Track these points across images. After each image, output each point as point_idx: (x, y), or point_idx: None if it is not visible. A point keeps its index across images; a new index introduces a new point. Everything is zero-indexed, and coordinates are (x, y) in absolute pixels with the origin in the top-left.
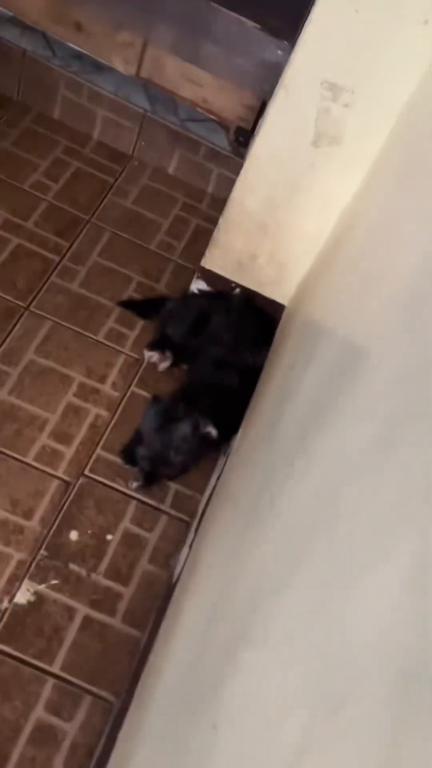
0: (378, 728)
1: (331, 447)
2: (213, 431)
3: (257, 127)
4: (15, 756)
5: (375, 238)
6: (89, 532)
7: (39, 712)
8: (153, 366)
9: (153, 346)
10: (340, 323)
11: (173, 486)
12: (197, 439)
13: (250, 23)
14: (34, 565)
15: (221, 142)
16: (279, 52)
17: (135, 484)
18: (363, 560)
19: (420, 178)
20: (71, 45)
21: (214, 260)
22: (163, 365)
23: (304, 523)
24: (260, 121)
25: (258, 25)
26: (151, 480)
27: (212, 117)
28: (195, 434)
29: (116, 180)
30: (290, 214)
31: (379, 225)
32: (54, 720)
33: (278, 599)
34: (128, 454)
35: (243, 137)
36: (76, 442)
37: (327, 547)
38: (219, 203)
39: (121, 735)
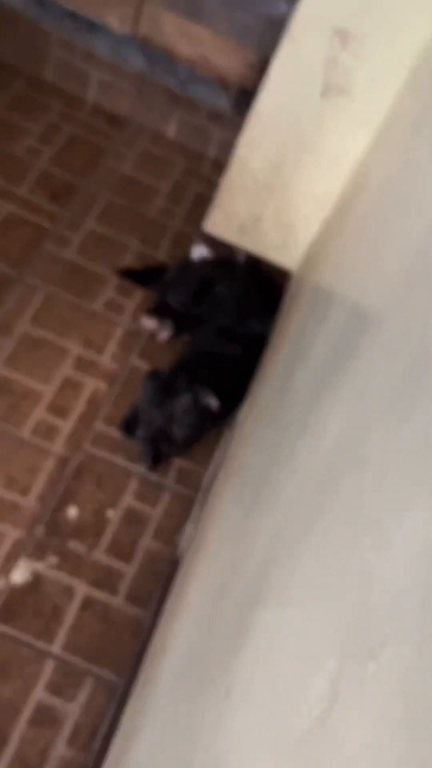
0: (426, 664)
1: (351, 395)
2: (214, 402)
3: (261, 85)
4: (15, 737)
5: (389, 191)
6: (89, 508)
7: (39, 693)
8: (152, 336)
9: (151, 313)
10: (354, 281)
11: (177, 461)
12: (199, 412)
13: None
14: (31, 543)
15: (223, 103)
16: (283, 4)
17: (143, 468)
18: (397, 499)
19: None
20: (64, 3)
21: (216, 224)
22: (163, 335)
23: (323, 475)
24: (263, 79)
25: None
26: (158, 461)
27: (213, 76)
28: (196, 407)
29: (112, 144)
30: (297, 173)
31: (393, 179)
32: (55, 701)
33: (298, 554)
34: (128, 427)
35: (245, 97)
36: (74, 415)
37: (352, 491)
38: (220, 167)
39: (126, 714)
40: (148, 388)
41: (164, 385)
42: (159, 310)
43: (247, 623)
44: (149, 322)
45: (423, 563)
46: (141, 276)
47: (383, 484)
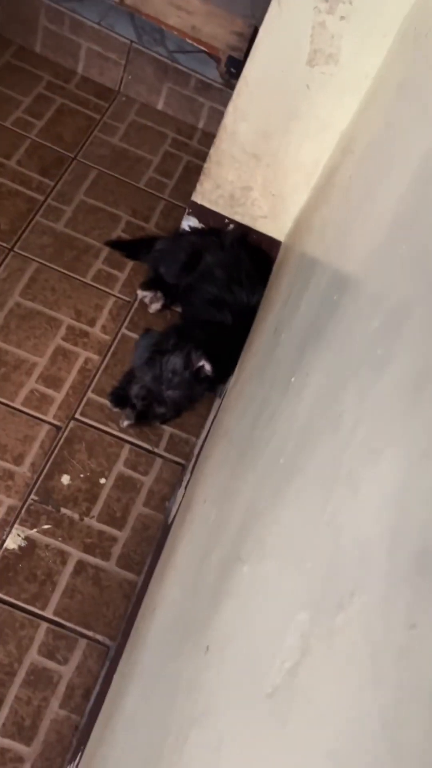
0: (391, 612)
1: (330, 352)
2: (207, 366)
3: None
4: (10, 698)
5: (373, 153)
6: (81, 476)
7: (33, 656)
8: (145, 307)
9: (146, 286)
10: (336, 244)
11: (168, 429)
12: (190, 374)
13: None
14: (24, 510)
15: (212, 73)
16: None
17: (126, 423)
18: (368, 446)
19: (422, 85)
20: None
21: (206, 194)
22: (155, 306)
23: (301, 433)
24: (252, 49)
25: None
26: (142, 418)
27: (202, 47)
28: (187, 367)
29: (102, 116)
30: (285, 142)
31: (377, 140)
32: (49, 663)
33: (275, 510)
34: (117, 397)
35: (235, 68)
36: (66, 386)
37: (327, 447)
38: (210, 138)
39: (117, 675)
40: (140, 345)
41: (156, 342)
42: (153, 283)
43: (227, 580)
44: (145, 294)
45: (389, 510)
46: (130, 247)
47: (356, 437)
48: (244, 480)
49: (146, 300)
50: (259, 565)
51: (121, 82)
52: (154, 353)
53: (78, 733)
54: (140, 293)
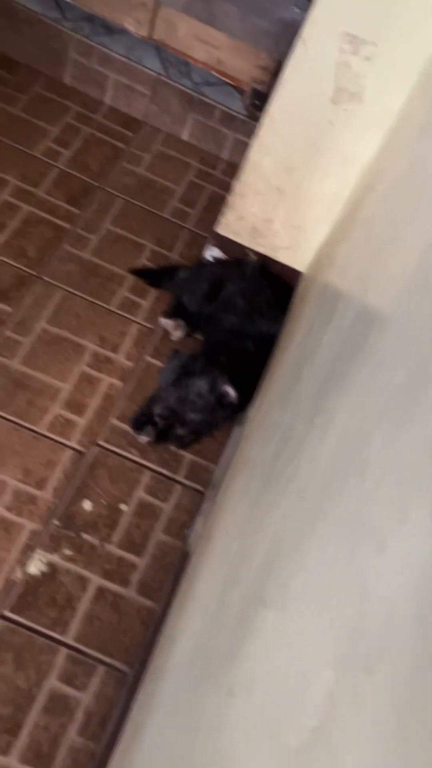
0: (419, 683)
1: (354, 399)
2: (231, 392)
3: (274, 88)
4: (29, 724)
5: (397, 193)
6: (102, 501)
7: (52, 682)
8: (167, 335)
9: (168, 314)
10: (359, 282)
11: (188, 456)
12: (213, 398)
13: None
14: (46, 535)
15: (237, 105)
16: (297, 9)
17: (145, 438)
18: (395, 505)
19: None
20: (81, 6)
21: (229, 225)
22: (177, 334)
23: (325, 477)
24: (276, 82)
25: None
26: (162, 438)
27: (227, 80)
28: (212, 391)
29: (128, 146)
30: (308, 176)
31: (400, 181)
32: (67, 689)
33: (299, 556)
34: (138, 422)
35: (259, 100)
36: (89, 411)
37: (352, 496)
38: (234, 169)
39: (136, 704)
40: (168, 367)
41: (184, 364)
42: (175, 311)
43: (249, 621)
44: (167, 323)
45: (417, 576)
46: (153, 276)
47: (382, 491)
48: (267, 515)
49: (168, 328)
50: (283, 611)
51: (147, 112)
52: (181, 374)
53: (95, 762)
54: (162, 321)
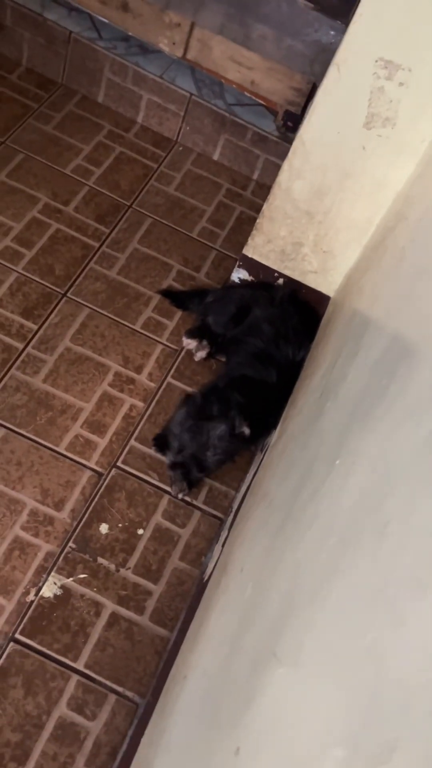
0: None
1: (377, 447)
2: (247, 430)
3: (306, 111)
4: (36, 752)
5: (426, 226)
6: (120, 525)
7: (62, 709)
8: (190, 355)
9: (192, 334)
10: (387, 316)
11: (207, 481)
12: (234, 439)
13: (301, 2)
14: (62, 557)
15: (269, 126)
16: (332, 32)
17: (181, 495)
18: (415, 577)
19: None
20: (117, 26)
21: (257, 248)
22: (200, 354)
23: (344, 528)
24: (310, 104)
25: (310, 4)
26: (192, 485)
27: (260, 101)
28: (232, 433)
29: (159, 165)
30: (338, 201)
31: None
32: (77, 718)
33: (314, 612)
34: (161, 442)
35: (292, 121)
36: (110, 432)
37: (370, 556)
38: (265, 190)
39: (145, 738)
40: (182, 412)
41: (198, 410)
42: (198, 331)
43: (260, 674)
44: (190, 342)
45: None
46: (180, 298)
47: (403, 559)
48: (283, 559)
49: (191, 347)
50: (294, 669)
51: (179, 132)
52: (197, 419)
53: None
54: (185, 341)
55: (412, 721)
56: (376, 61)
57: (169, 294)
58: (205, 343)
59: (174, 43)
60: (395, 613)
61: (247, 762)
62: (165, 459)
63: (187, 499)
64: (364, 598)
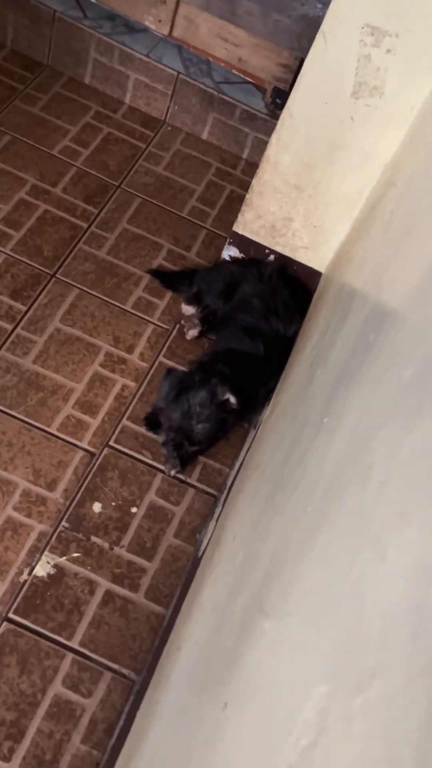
0: (412, 705)
1: (363, 396)
2: (232, 398)
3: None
4: (32, 730)
5: (416, 189)
6: (113, 504)
7: (57, 687)
8: (182, 335)
9: (190, 300)
10: (373, 279)
11: (201, 459)
12: (217, 407)
13: None
14: (55, 537)
15: (257, 104)
16: (319, 5)
17: (173, 471)
18: (397, 509)
19: None
20: (102, 5)
21: (247, 224)
22: (192, 333)
23: (330, 480)
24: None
25: None
26: (185, 463)
27: (248, 78)
28: (213, 400)
29: (148, 145)
30: (327, 173)
31: (420, 174)
32: (72, 695)
33: (300, 564)
34: (151, 422)
35: (280, 98)
36: (102, 412)
37: (356, 501)
38: (254, 168)
39: (140, 712)
40: (164, 386)
41: (180, 382)
42: (197, 298)
43: (249, 631)
44: (189, 309)
45: (416, 585)
46: (170, 278)
47: (384, 495)
48: (273, 523)
49: (190, 313)
50: (281, 622)
51: (167, 112)
52: (180, 390)
53: None
54: (184, 307)
55: (391, 647)
56: (363, 28)
57: (158, 274)
58: (197, 321)
59: (160, 21)
60: (378, 549)
61: (234, 714)
62: (157, 438)
63: (181, 476)
64: (348, 541)
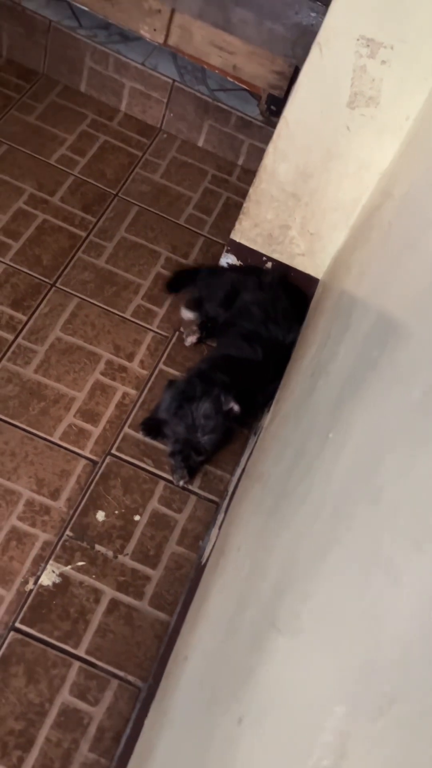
0: (427, 729)
1: (369, 416)
2: (236, 407)
3: (290, 94)
4: (40, 739)
5: (414, 200)
6: (116, 512)
7: (64, 696)
8: (181, 342)
9: (190, 304)
10: (374, 291)
11: (204, 466)
12: (222, 417)
13: None
14: (59, 546)
15: (253, 111)
16: (312, 14)
17: (182, 482)
18: (410, 535)
19: None
20: (97, 14)
21: (244, 232)
22: (191, 339)
23: (338, 498)
24: (293, 88)
25: None
26: (192, 473)
27: (243, 85)
28: (218, 411)
29: (144, 153)
30: (324, 182)
31: (418, 187)
32: (80, 704)
33: (311, 582)
34: (148, 427)
35: (275, 105)
36: (104, 420)
37: (366, 522)
38: (250, 175)
39: (148, 720)
40: (166, 398)
41: (182, 393)
42: (196, 303)
43: (261, 646)
44: (188, 313)
45: (431, 611)
46: (177, 282)
47: (396, 518)
48: (278, 536)
49: (189, 318)
50: (294, 640)
51: (162, 119)
52: (182, 402)
53: None
54: (183, 312)
55: (409, 673)
56: (358, 40)
57: (171, 285)
58: (196, 328)
59: (155, 30)
60: (391, 573)
61: (251, 729)
62: (157, 444)
63: (189, 486)
64: (359, 562)
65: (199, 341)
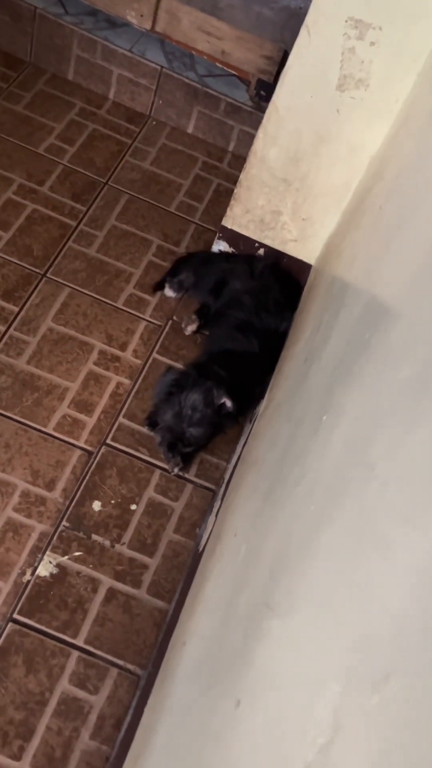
0: (427, 703)
1: (360, 395)
2: (228, 403)
3: (279, 78)
4: (41, 728)
5: (405, 182)
6: (112, 502)
7: (64, 685)
8: (175, 330)
9: (172, 284)
10: (366, 273)
11: (199, 454)
12: (212, 411)
13: None
14: (56, 536)
15: (242, 96)
16: None
17: (176, 469)
18: (403, 511)
19: None
20: (83, 0)
21: (236, 219)
22: (190, 329)
23: (331, 478)
24: (282, 72)
25: None
26: (186, 460)
27: (232, 71)
28: (208, 404)
29: (133, 141)
30: (315, 166)
31: (409, 169)
32: (79, 692)
33: (304, 561)
34: (153, 420)
35: (264, 90)
36: (98, 410)
37: (359, 499)
38: (241, 161)
39: (148, 707)
40: (160, 383)
41: (175, 382)
42: (179, 283)
43: (256, 627)
44: (170, 291)
45: (425, 584)
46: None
47: (388, 496)
48: (273, 519)
49: (171, 295)
50: (288, 619)
51: (151, 106)
52: (172, 390)
53: (109, 766)
54: (167, 290)
55: (403, 648)
56: (347, 21)
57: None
58: (194, 317)
59: (142, 16)
60: (383, 548)
61: (248, 712)
62: (154, 434)
63: (185, 474)
64: (352, 539)
65: (197, 331)
